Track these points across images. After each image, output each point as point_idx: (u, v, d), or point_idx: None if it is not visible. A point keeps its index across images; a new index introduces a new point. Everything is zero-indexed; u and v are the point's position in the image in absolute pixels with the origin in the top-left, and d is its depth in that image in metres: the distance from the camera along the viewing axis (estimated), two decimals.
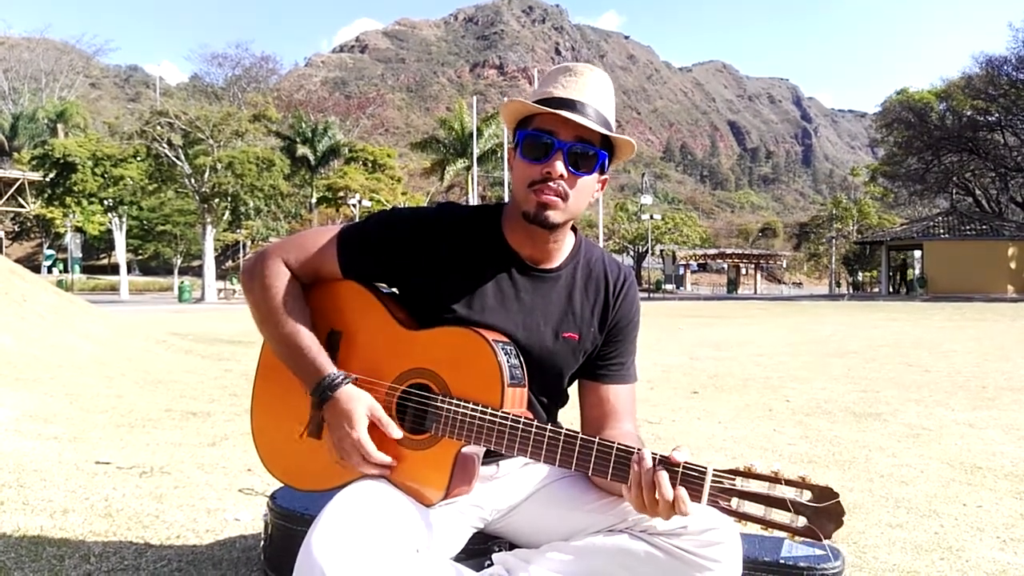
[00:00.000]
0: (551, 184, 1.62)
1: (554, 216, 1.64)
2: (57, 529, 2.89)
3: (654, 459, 1.43)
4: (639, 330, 1.90)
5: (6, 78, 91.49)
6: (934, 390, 7.16)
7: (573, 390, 1.91)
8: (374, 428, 1.62)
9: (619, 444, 1.48)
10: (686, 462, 1.41)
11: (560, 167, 1.61)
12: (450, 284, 1.72)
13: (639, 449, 1.46)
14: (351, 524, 1.43)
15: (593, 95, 1.65)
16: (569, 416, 1.88)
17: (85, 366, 7.06)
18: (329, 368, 1.63)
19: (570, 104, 1.62)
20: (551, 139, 1.61)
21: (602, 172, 1.71)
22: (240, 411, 5.56)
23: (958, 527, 3.19)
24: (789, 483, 1.35)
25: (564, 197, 1.63)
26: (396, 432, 1.60)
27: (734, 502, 1.37)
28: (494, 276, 1.74)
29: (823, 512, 1.33)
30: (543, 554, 1.69)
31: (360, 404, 1.59)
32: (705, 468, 1.40)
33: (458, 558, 1.71)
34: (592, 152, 1.64)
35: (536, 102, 1.65)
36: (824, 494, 1.33)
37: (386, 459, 1.59)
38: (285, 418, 1.76)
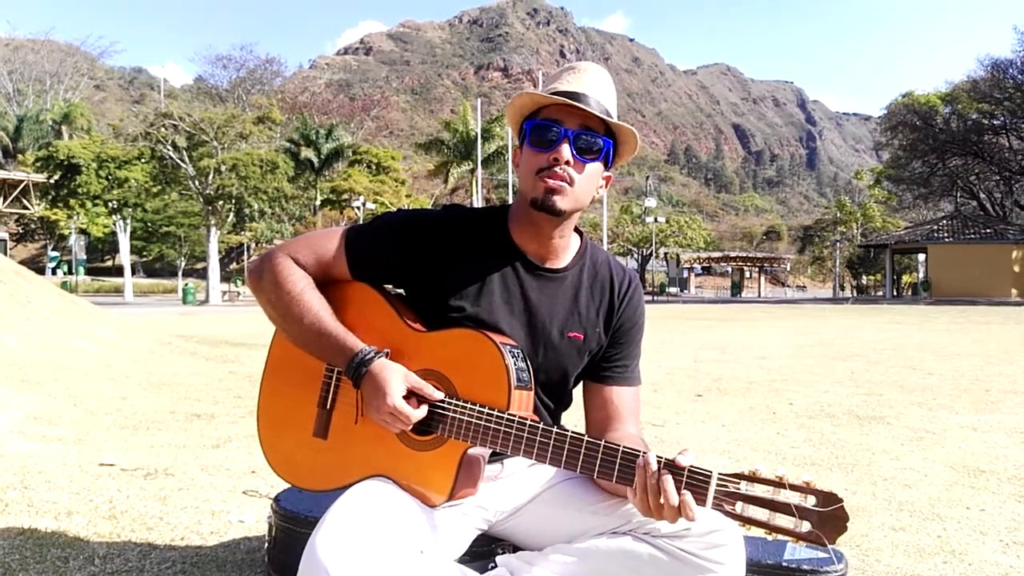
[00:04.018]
0: (558, 170, 1.65)
1: (561, 202, 1.67)
2: (62, 531, 2.90)
3: (659, 463, 1.44)
4: (644, 333, 1.91)
5: (11, 80, 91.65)
6: (937, 393, 7.15)
7: (577, 393, 1.91)
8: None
9: (624, 447, 1.49)
10: (691, 466, 1.42)
11: (567, 152, 1.65)
12: (457, 283, 1.73)
13: (644, 452, 1.46)
14: (356, 525, 1.44)
15: (595, 88, 1.70)
16: (572, 419, 1.89)
17: (89, 368, 7.08)
18: (360, 345, 1.64)
19: (574, 96, 1.67)
20: (558, 127, 1.66)
21: (607, 164, 1.75)
22: (244, 413, 5.57)
23: (961, 530, 3.19)
24: (794, 488, 1.36)
25: (571, 183, 1.67)
26: (437, 394, 1.60)
27: (738, 506, 1.38)
28: (501, 275, 1.75)
29: (827, 517, 1.33)
30: (547, 556, 1.69)
31: (395, 373, 1.59)
32: (710, 472, 1.40)
33: (462, 560, 1.71)
34: (597, 139, 1.68)
35: None
36: (828, 499, 1.33)
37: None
38: (292, 418, 1.77)
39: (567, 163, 1.65)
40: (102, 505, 3.23)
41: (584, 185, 1.69)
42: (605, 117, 1.68)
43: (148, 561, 2.63)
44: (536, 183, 1.67)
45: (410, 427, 1.58)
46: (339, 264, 1.76)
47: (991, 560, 2.85)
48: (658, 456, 1.45)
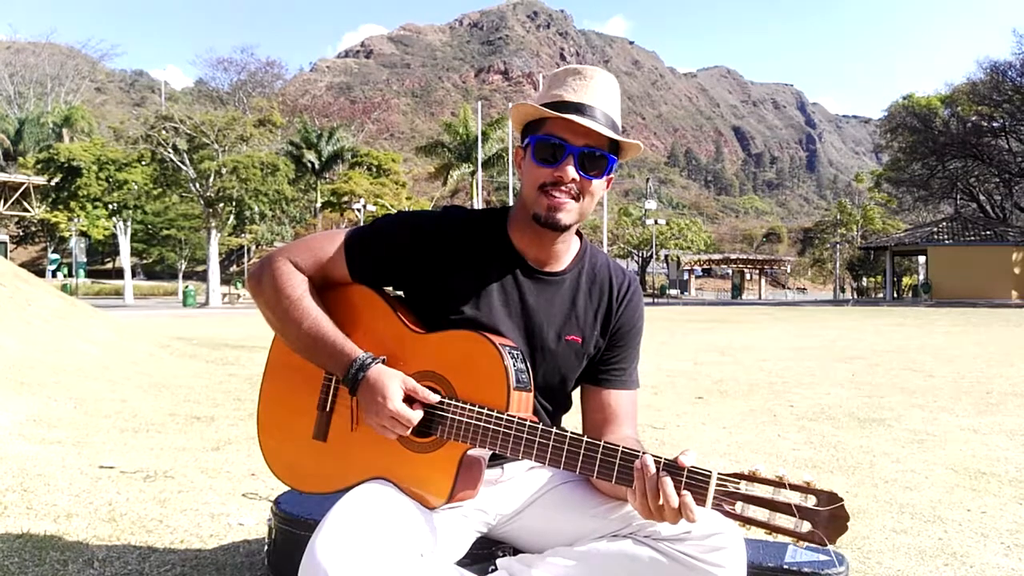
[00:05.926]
0: (563, 188, 1.64)
1: (564, 218, 1.66)
2: (61, 533, 2.89)
3: (658, 464, 1.43)
4: (642, 337, 1.90)
5: (12, 82, 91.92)
6: (938, 395, 7.14)
7: (575, 396, 1.91)
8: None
9: (624, 447, 1.48)
10: (691, 466, 1.41)
11: (572, 171, 1.63)
12: (456, 286, 1.72)
13: (643, 453, 1.46)
14: (356, 528, 1.43)
15: (601, 98, 1.67)
16: (571, 422, 1.88)
17: (89, 370, 7.07)
18: (357, 352, 1.63)
19: (580, 108, 1.63)
20: (562, 143, 1.63)
21: (609, 173, 1.73)
22: (244, 415, 5.57)
23: (962, 533, 3.18)
24: (794, 488, 1.35)
25: (575, 199, 1.66)
26: (433, 397, 1.59)
27: (738, 506, 1.37)
28: (499, 278, 1.75)
29: (828, 517, 1.32)
30: (547, 559, 1.69)
31: (393, 379, 1.58)
32: (709, 472, 1.40)
33: (462, 563, 1.70)
34: (602, 156, 1.66)
35: (546, 105, 1.66)
36: (829, 499, 1.33)
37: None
38: (291, 420, 1.76)
39: (572, 181, 1.64)
40: (101, 508, 3.22)
41: (588, 200, 1.69)
42: (612, 135, 1.65)
43: (147, 564, 2.62)
44: (539, 197, 1.66)
45: (408, 431, 1.58)
46: (339, 266, 1.75)
47: (992, 563, 2.84)
48: (656, 457, 1.44)
